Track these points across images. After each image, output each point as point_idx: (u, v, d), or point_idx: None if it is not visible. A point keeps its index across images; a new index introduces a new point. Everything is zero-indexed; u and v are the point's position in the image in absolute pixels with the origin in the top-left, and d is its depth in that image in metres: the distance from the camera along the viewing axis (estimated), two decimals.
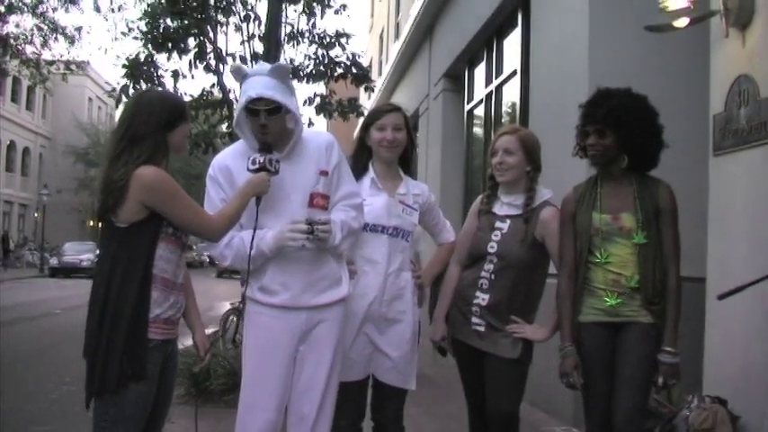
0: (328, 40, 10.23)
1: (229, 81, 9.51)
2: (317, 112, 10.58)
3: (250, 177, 3.42)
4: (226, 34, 9.82)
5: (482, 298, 3.98)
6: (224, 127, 10.08)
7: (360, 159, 4.12)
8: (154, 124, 3.21)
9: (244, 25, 9.68)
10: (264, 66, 3.56)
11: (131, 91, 9.32)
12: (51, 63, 22.64)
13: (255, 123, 3.47)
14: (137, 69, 9.19)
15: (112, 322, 3.08)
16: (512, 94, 10.20)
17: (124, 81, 9.36)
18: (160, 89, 8.79)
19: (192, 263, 40.95)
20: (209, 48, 9.42)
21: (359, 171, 4.01)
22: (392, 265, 3.96)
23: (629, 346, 3.68)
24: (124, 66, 9.25)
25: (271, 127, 3.47)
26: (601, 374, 3.73)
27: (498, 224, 4.03)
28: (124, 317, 3.08)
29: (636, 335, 3.67)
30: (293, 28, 10.00)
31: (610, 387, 3.69)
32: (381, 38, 26.85)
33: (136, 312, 3.11)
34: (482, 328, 3.97)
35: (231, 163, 3.58)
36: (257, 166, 3.41)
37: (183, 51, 9.33)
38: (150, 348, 3.16)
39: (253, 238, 3.43)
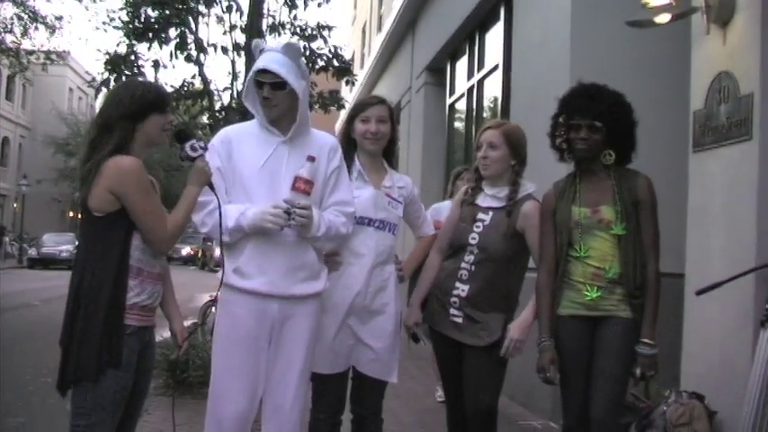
0: (310, 32, 10.17)
1: (210, 72, 9.45)
2: None
3: (189, 172, 3.41)
4: (207, 25, 9.79)
5: (461, 289, 3.98)
6: (204, 118, 10.01)
7: (345, 152, 4.11)
8: (120, 114, 3.21)
9: (225, 16, 9.63)
10: (281, 44, 3.68)
11: (113, 84, 9.26)
12: (31, 53, 22.48)
13: (260, 96, 3.58)
14: (117, 65, 9.13)
15: (88, 310, 3.09)
16: (493, 88, 10.21)
17: (105, 75, 9.30)
18: (142, 79, 8.73)
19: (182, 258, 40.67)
20: (191, 38, 9.36)
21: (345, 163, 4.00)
22: (377, 258, 3.96)
23: (607, 340, 3.68)
24: (106, 62, 9.19)
25: (275, 101, 3.55)
26: (578, 369, 3.74)
27: (480, 216, 4.04)
28: (100, 304, 3.08)
29: (614, 329, 3.68)
30: (275, 19, 9.94)
31: (587, 381, 3.70)
32: (364, 30, 26.82)
33: (112, 299, 3.10)
34: (460, 320, 3.98)
35: (233, 135, 3.69)
36: (185, 156, 3.39)
37: (163, 41, 9.27)
38: (128, 335, 3.16)
39: (221, 225, 3.43)
